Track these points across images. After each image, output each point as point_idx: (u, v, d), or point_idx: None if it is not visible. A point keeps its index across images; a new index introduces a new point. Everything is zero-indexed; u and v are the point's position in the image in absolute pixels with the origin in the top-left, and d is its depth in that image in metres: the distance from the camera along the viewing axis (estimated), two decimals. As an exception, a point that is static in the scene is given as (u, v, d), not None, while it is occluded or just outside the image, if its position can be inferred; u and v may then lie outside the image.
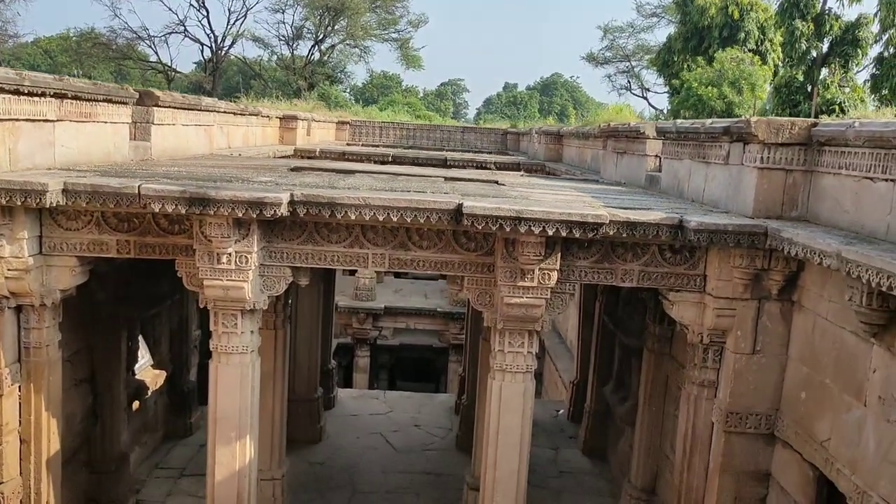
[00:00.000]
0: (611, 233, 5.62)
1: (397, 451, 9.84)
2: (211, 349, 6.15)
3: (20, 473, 6.10)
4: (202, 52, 40.29)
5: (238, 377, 6.11)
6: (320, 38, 40.39)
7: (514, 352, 6.12)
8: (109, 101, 7.28)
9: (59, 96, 6.32)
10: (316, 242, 5.96)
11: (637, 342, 8.17)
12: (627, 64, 35.86)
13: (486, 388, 6.53)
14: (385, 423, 10.81)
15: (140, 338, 8.66)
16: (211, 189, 5.46)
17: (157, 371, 8.83)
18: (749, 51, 21.13)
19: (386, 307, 19.10)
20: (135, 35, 38.63)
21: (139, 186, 5.42)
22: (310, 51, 40.84)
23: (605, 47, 36.50)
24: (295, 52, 41.30)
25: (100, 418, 7.50)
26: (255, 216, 5.43)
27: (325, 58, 42.22)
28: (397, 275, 25.35)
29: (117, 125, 7.66)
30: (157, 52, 40.00)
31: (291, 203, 5.55)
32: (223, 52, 40.30)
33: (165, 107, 8.69)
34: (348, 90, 51.09)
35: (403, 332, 21.09)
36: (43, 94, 6.05)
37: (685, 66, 22.57)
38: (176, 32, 38.65)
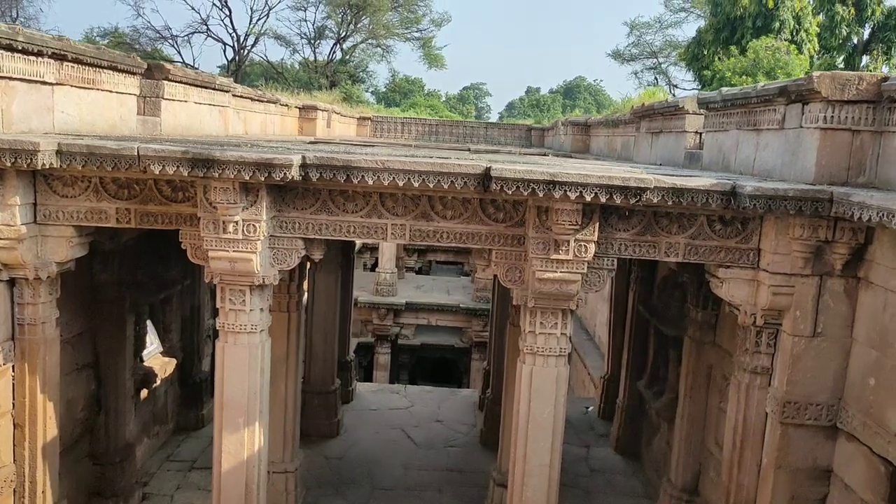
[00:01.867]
0: (655, 200, 5.08)
1: (418, 446, 9.34)
2: (217, 328, 5.70)
3: (13, 460, 5.67)
4: (224, 51, 40.18)
5: (246, 358, 5.64)
6: (342, 36, 40.11)
7: (546, 333, 5.59)
8: (115, 68, 6.87)
9: (59, 58, 5.90)
10: (330, 212, 5.48)
11: (675, 331, 7.59)
12: (654, 60, 35.11)
13: (514, 378, 6.02)
14: (405, 417, 10.31)
15: (149, 324, 8.25)
16: (216, 150, 5.00)
17: (167, 359, 8.40)
18: (784, 41, 20.38)
19: (407, 303, 18.61)
20: (158, 35, 38.59)
21: (138, 147, 4.98)
22: (331, 49, 40.59)
23: (632, 43, 35.77)
24: (317, 50, 41.08)
25: (104, 406, 7.07)
26: (263, 180, 4.96)
27: (348, 57, 41.93)
28: (419, 271, 24.88)
29: (123, 96, 7.25)
30: (179, 52, 39.86)
31: (303, 166, 5.08)
32: (245, 52, 40.15)
33: (177, 81, 8.27)
34: (370, 90, 50.77)
35: (425, 331, 20.60)
36: (40, 54, 5.64)
37: (716, 59, 21.86)
38: (199, 32, 38.53)
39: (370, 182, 5.10)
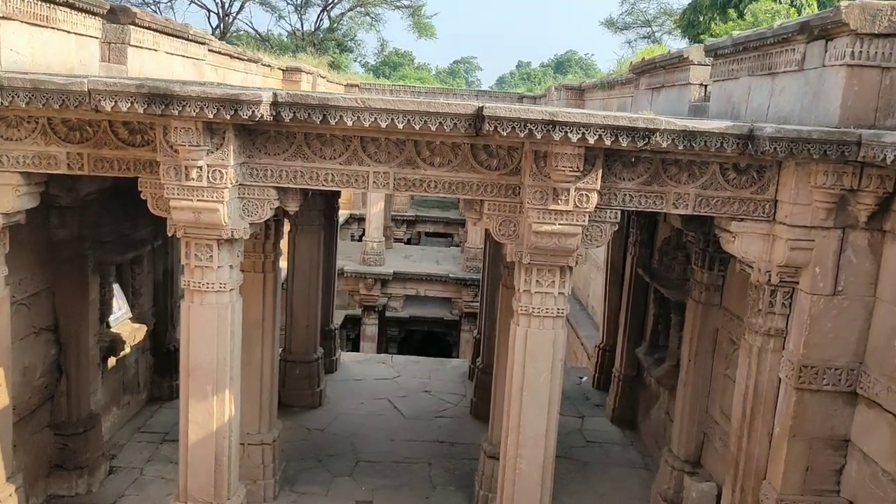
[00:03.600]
0: (664, 144, 4.60)
1: (405, 417, 8.91)
2: (183, 286, 5.20)
3: (-41, 431, 5.19)
4: (209, 18, 39.06)
5: (214, 319, 5.15)
6: (330, 2, 39.12)
7: (542, 292, 5.12)
8: (72, 6, 6.27)
9: (4, -13, 5.32)
10: (306, 158, 4.97)
11: (678, 294, 7.15)
12: (648, 29, 34.41)
13: (506, 344, 5.56)
14: (392, 388, 9.87)
15: (117, 288, 7.73)
16: (176, 85, 4.48)
17: (137, 325, 7.90)
18: (784, 4, 19.78)
19: (395, 272, 18.12)
20: (140, 0, 37.50)
21: (88, 81, 4.44)
22: (318, 16, 39.61)
23: (625, 12, 35.07)
24: (304, 17, 40.07)
25: (65, 373, 6.57)
26: (229, 118, 4.44)
27: (335, 25, 40.92)
28: (408, 242, 24.42)
29: (83, 39, 6.66)
30: (162, 18, 38.78)
31: (275, 105, 4.55)
32: (231, 19, 39.08)
33: (145, 27, 7.66)
34: (359, 60, 49.79)
35: (413, 303, 20.14)
36: (-19, -19, 5.06)
37: (713, 24, 21.25)
38: (182, -3, 37.49)
39: (349, 123, 4.59)
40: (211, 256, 5.06)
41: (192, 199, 4.77)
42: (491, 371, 7.86)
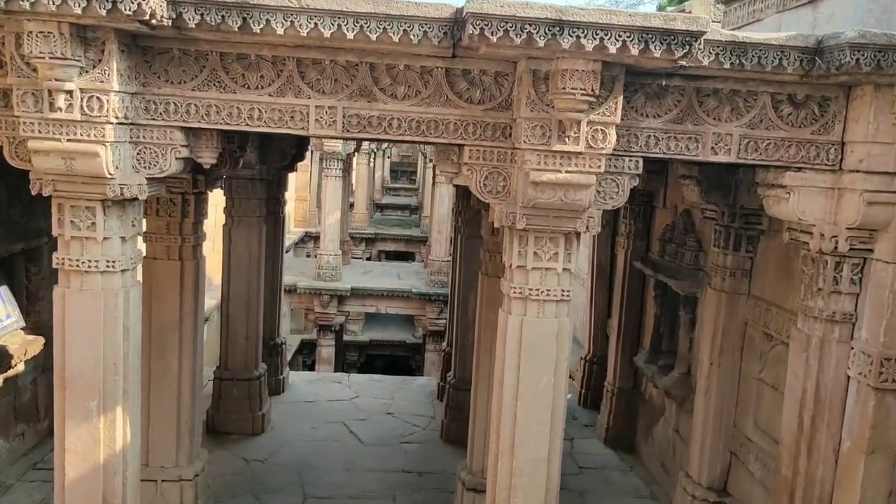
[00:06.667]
0: (705, 62, 3.49)
1: (365, 444, 7.55)
2: (55, 265, 3.83)
3: None
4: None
5: (100, 310, 3.78)
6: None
7: (542, 268, 3.89)
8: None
9: None
10: (223, 87, 3.67)
11: (690, 286, 5.98)
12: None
13: (490, 345, 4.33)
14: (349, 410, 8.49)
15: (6, 290, 6.26)
16: (28, -33, 3.17)
17: (32, 337, 6.42)
18: None
19: (353, 288, 16.69)
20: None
21: None
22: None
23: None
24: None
25: (-80, 394, 5.10)
26: (105, 14, 3.13)
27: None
28: (367, 260, 23.06)
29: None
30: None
31: (174, 3, 3.27)
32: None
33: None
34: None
35: (373, 325, 18.77)
36: None
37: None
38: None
39: (280, 31, 3.33)
40: (93, 224, 3.72)
41: (59, 139, 3.44)
42: (466, 386, 6.62)
